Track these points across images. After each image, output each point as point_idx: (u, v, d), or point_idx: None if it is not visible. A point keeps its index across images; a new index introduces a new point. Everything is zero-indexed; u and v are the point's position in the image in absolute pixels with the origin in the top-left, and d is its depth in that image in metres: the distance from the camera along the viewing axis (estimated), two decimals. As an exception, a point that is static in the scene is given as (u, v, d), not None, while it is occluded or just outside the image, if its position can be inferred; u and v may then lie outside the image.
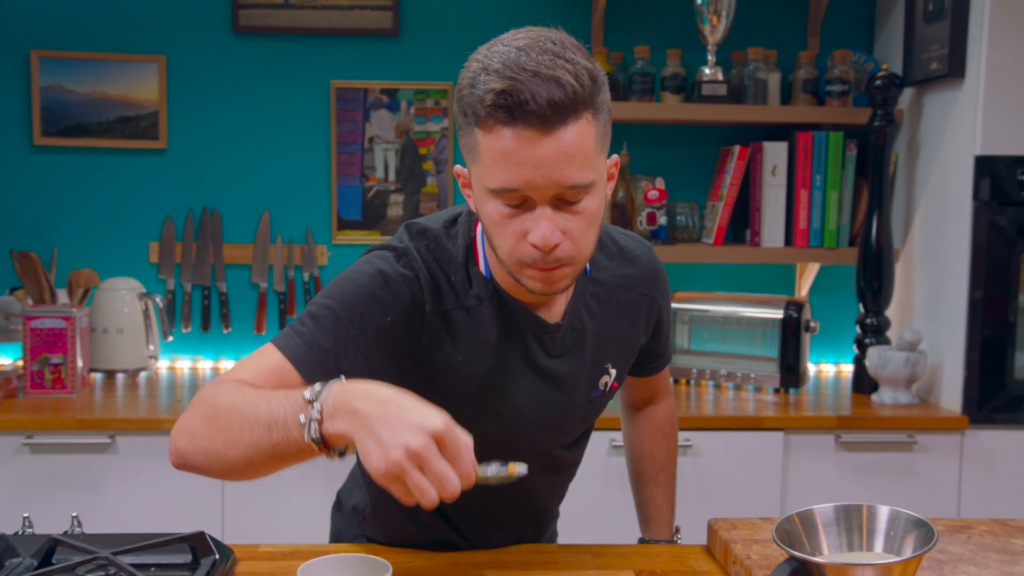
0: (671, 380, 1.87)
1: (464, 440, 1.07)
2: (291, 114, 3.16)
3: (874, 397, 2.82)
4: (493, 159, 1.20)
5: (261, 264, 3.17)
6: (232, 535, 2.50)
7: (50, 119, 3.08)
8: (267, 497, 2.55)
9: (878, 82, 2.82)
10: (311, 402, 1.09)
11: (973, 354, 2.67)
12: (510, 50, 1.19)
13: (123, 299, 2.98)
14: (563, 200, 1.22)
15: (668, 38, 3.08)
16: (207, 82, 3.13)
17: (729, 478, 2.63)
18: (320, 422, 1.08)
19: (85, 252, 3.10)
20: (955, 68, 2.65)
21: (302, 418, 1.09)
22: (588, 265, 1.45)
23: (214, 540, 1.46)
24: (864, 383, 2.90)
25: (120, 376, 2.98)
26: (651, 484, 1.74)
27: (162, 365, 3.16)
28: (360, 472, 1.64)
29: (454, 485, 1.04)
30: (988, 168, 2.62)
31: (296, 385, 1.22)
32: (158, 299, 3.02)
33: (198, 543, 1.44)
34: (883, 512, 1.13)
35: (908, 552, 1.07)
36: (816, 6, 3.15)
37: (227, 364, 3.17)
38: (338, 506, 1.74)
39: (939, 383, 2.79)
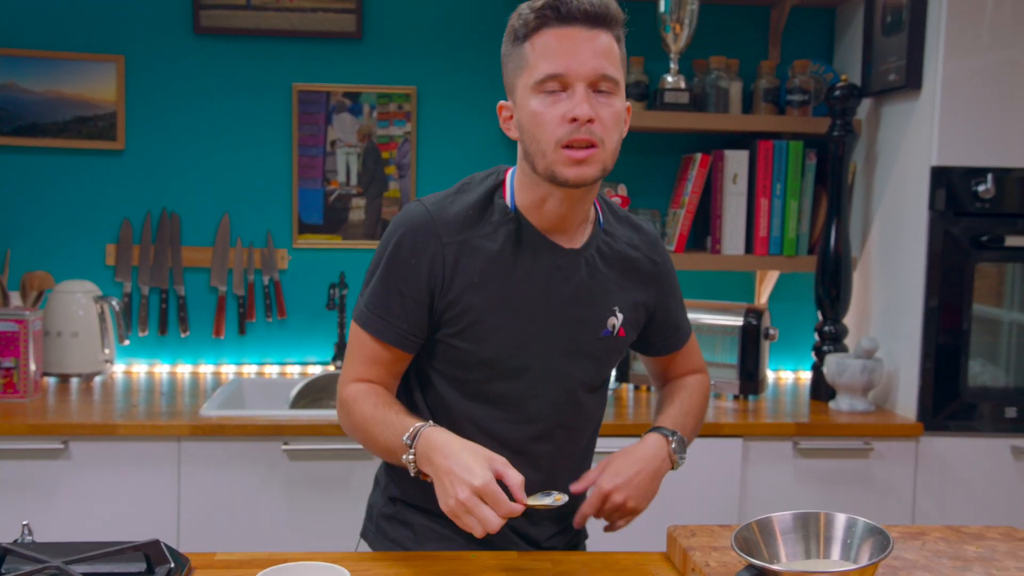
0: (703, 358, 1.90)
1: (515, 479, 1.39)
2: (252, 116, 3.14)
3: (831, 404, 2.85)
4: (542, 54, 1.47)
5: (220, 267, 3.14)
6: (188, 543, 2.47)
7: (4, 118, 3.03)
8: (223, 505, 2.52)
9: (837, 92, 2.85)
10: (409, 447, 1.46)
11: (928, 362, 2.70)
12: None
13: (78, 302, 2.94)
14: (596, 89, 1.47)
15: (631, 46, 3.02)
16: (167, 83, 3.10)
17: (688, 485, 2.63)
18: (415, 463, 1.46)
19: (39, 254, 3.07)
20: (912, 80, 2.69)
21: (404, 458, 1.47)
22: (601, 218, 1.66)
23: (169, 548, 1.45)
24: (822, 390, 2.93)
25: (74, 380, 2.94)
26: (675, 393, 1.83)
27: (118, 369, 3.12)
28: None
29: (492, 525, 1.35)
30: (943, 179, 2.65)
31: (384, 352, 1.58)
32: (114, 302, 2.98)
33: (153, 551, 1.42)
34: (840, 520, 1.13)
35: (864, 559, 1.08)
36: (777, 17, 3.18)
37: (184, 368, 3.14)
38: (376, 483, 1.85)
39: (895, 390, 2.82)
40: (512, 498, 1.38)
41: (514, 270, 1.56)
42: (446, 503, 1.39)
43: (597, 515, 1.62)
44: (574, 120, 1.45)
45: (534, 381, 1.60)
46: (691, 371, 1.86)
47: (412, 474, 1.47)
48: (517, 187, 1.58)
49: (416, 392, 1.66)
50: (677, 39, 2.95)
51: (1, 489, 2.47)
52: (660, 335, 1.78)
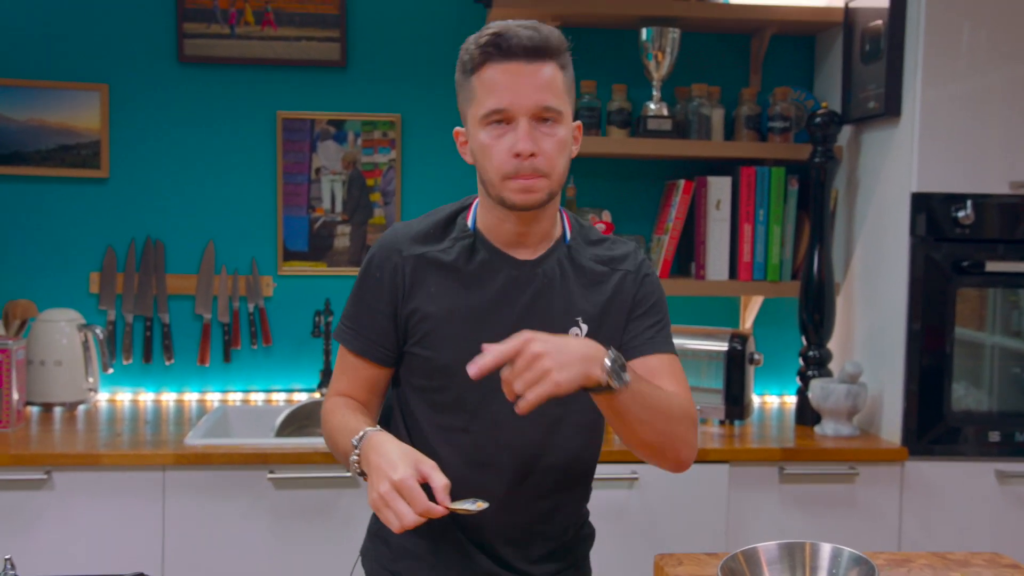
0: (689, 390, 1.68)
1: (438, 481, 1.40)
2: (237, 144, 3.14)
3: (817, 429, 2.85)
4: (487, 89, 1.53)
5: (205, 295, 3.13)
6: (172, 573, 2.46)
7: (-12, 147, 3.03)
8: (209, 535, 2.50)
9: (818, 119, 2.88)
10: (355, 447, 1.51)
11: (912, 386, 2.71)
12: (499, 21, 1.55)
13: (61, 330, 2.93)
14: (539, 120, 1.52)
15: (614, 74, 3.12)
16: (151, 111, 3.10)
17: (675, 511, 2.63)
18: (358, 463, 1.51)
19: (22, 282, 3.05)
20: (891, 107, 2.72)
21: (352, 458, 1.52)
22: (568, 235, 1.68)
23: (153, 581, 1.43)
24: (807, 415, 2.93)
25: (58, 409, 2.92)
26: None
27: (102, 398, 3.11)
28: None
29: (408, 520, 1.38)
30: (924, 204, 2.68)
31: (359, 365, 1.68)
32: (98, 330, 2.96)
33: (137, 585, 1.41)
34: (825, 550, 1.14)
35: (850, 590, 1.08)
36: (758, 45, 3.20)
37: (169, 396, 3.13)
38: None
39: (879, 415, 2.83)
40: (435, 501, 1.40)
41: (469, 281, 1.62)
42: (370, 496, 1.43)
43: (507, 375, 1.38)
44: (518, 155, 1.51)
45: (494, 387, 1.54)
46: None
47: (355, 473, 1.52)
48: (479, 209, 1.66)
49: (396, 411, 1.71)
50: (659, 67, 2.97)
51: (-17, 521, 2.45)
52: (628, 342, 1.66)
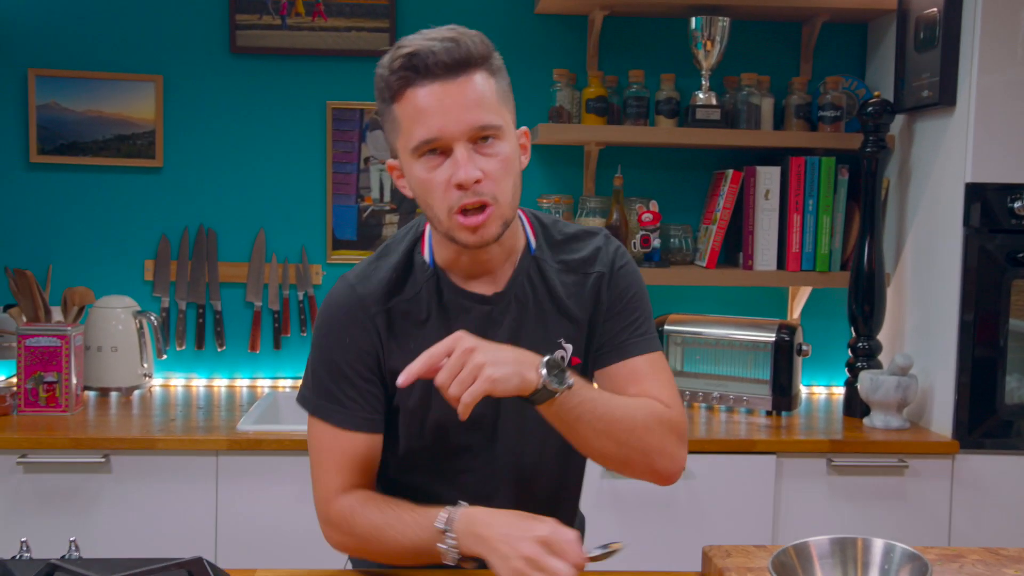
0: (676, 392, 1.56)
1: (567, 537, 1.31)
2: (287, 134, 3.17)
3: (865, 421, 2.83)
4: (410, 120, 1.37)
5: (256, 283, 3.18)
6: (226, 557, 2.50)
7: (46, 137, 3.09)
8: (261, 519, 2.54)
9: (870, 108, 2.85)
10: (444, 531, 1.37)
11: (963, 378, 2.69)
12: (413, 35, 1.39)
13: (118, 317, 2.98)
14: (476, 143, 1.38)
15: (662, 63, 3.11)
16: (204, 101, 3.14)
17: (722, 501, 2.64)
18: (457, 547, 1.36)
19: (80, 270, 3.11)
20: (946, 96, 2.68)
21: (442, 547, 1.37)
22: (533, 244, 1.55)
23: (212, 566, 1.46)
24: (855, 407, 2.92)
25: (114, 394, 2.98)
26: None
27: (156, 383, 3.16)
28: None
29: (564, 574, 1.28)
30: (978, 195, 2.64)
31: (351, 440, 1.50)
32: (153, 317, 3.02)
33: (196, 569, 1.44)
34: (877, 545, 1.14)
35: (903, 586, 1.08)
36: (809, 33, 3.18)
37: (220, 382, 3.18)
38: None
39: (930, 407, 2.81)
40: None
41: (443, 329, 1.46)
42: (509, 565, 1.30)
43: (441, 380, 1.32)
44: (460, 186, 1.36)
45: (493, 428, 1.53)
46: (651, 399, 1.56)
47: (451, 561, 1.38)
48: (434, 242, 1.52)
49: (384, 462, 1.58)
50: (708, 56, 2.95)
51: (46, 501, 2.51)
52: (605, 348, 1.57)
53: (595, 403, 1.41)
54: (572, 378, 1.37)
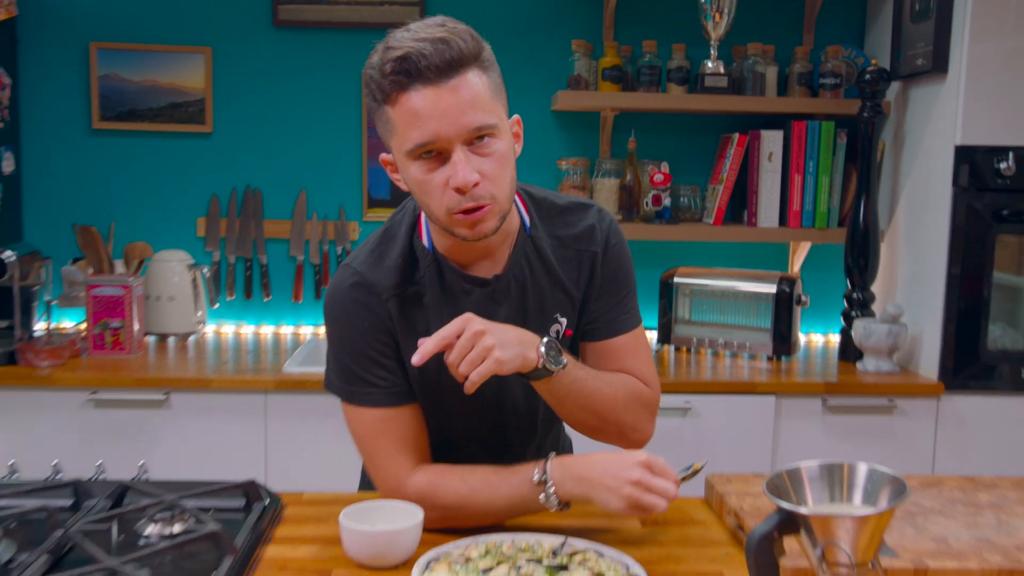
0: (654, 368, 1.56)
1: (662, 459, 1.34)
2: (326, 101, 3.19)
3: (859, 365, 2.86)
4: (404, 123, 1.27)
5: (298, 238, 3.22)
6: (274, 485, 2.56)
7: (107, 105, 3.12)
8: (305, 451, 2.61)
9: (868, 76, 2.85)
10: (543, 483, 1.36)
11: (950, 327, 2.71)
12: (401, 32, 1.30)
13: (174, 270, 3.03)
14: (472, 144, 1.29)
15: (674, 33, 3.11)
16: (249, 71, 3.17)
17: (725, 438, 2.68)
18: (557, 494, 1.35)
19: (139, 226, 3.16)
20: (939, 64, 2.68)
21: (542, 497, 1.36)
22: (527, 223, 1.48)
23: (264, 488, 1.52)
24: (849, 352, 2.94)
25: (171, 339, 3.04)
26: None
27: (209, 329, 3.22)
28: None
29: (671, 492, 1.32)
30: (967, 157, 2.65)
31: (394, 417, 1.44)
32: (205, 270, 3.07)
33: (250, 490, 1.50)
34: (862, 469, 1.17)
35: (883, 505, 1.12)
36: (811, 4, 3.16)
37: (267, 329, 3.23)
38: None
39: (918, 353, 2.83)
40: None
41: (447, 312, 1.42)
42: (619, 494, 1.31)
43: (451, 359, 1.31)
44: (459, 189, 1.29)
45: (494, 398, 1.51)
46: (628, 373, 1.54)
47: (554, 508, 1.37)
48: (431, 229, 1.44)
49: None
50: (717, 27, 2.95)
51: (114, 433, 2.59)
52: (590, 324, 1.53)
53: (584, 382, 1.41)
54: (566, 358, 1.37)
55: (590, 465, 1.35)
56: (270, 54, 3.17)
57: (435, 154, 1.29)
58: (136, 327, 2.81)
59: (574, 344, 1.54)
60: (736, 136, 3.04)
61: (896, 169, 3.00)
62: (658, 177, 2.98)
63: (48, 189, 3.15)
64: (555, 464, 1.37)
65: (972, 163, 2.64)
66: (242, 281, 3.23)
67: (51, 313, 2.96)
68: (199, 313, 3.09)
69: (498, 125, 1.31)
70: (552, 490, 1.35)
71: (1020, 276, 2.77)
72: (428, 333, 1.36)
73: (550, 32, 3.16)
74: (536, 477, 1.36)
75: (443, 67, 1.25)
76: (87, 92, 3.13)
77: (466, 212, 1.30)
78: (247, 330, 3.24)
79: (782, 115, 3.06)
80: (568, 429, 1.78)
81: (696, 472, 1.40)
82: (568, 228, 1.50)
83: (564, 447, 1.76)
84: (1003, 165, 2.62)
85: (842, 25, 3.23)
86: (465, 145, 1.28)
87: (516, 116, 1.41)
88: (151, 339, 3.03)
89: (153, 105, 3.13)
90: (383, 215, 3.22)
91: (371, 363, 1.43)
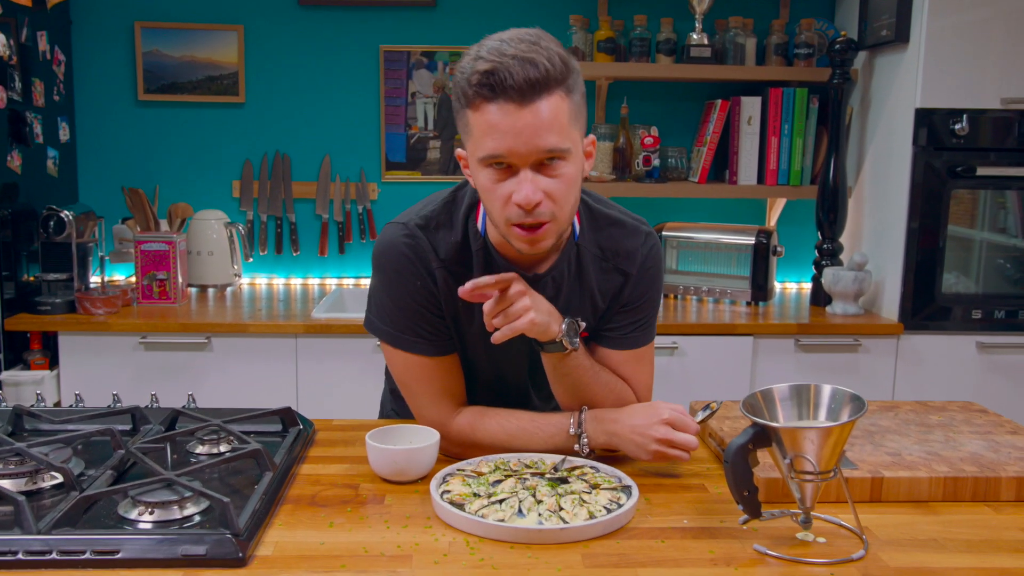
0: (650, 382, 1.52)
1: (683, 411, 1.35)
2: (347, 73, 3.19)
3: (828, 309, 2.88)
4: (482, 132, 1.21)
5: (323, 198, 3.23)
6: (305, 413, 2.58)
7: (150, 79, 3.12)
8: (331, 387, 2.64)
9: (837, 46, 2.83)
10: (578, 435, 1.37)
11: (909, 274, 2.73)
12: (494, 42, 1.21)
13: (212, 227, 3.05)
14: (542, 164, 1.22)
15: (662, 8, 3.09)
16: (278, 47, 3.16)
17: (708, 374, 2.70)
18: (590, 446, 1.38)
19: (181, 188, 3.17)
20: (901, 35, 2.66)
21: (576, 447, 1.38)
22: (577, 231, 1.43)
23: (299, 414, 1.55)
24: (820, 297, 2.96)
25: (211, 290, 3.06)
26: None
27: (244, 281, 3.24)
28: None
29: (693, 443, 1.33)
30: (926, 119, 2.64)
31: (438, 366, 1.42)
32: (240, 227, 3.09)
33: (287, 416, 1.53)
34: (826, 389, 1.20)
35: (844, 419, 1.15)
36: (787, -19, 3.14)
37: (296, 281, 3.25)
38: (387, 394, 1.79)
39: (881, 297, 2.85)
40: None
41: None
42: (647, 450, 1.33)
43: (489, 308, 1.29)
44: (521, 205, 1.22)
45: (512, 377, 1.52)
46: (627, 382, 1.49)
47: (585, 455, 1.37)
48: (487, 219, 1.39)
49: None
50: (702, 2, 2.94)
51: (162, 372, 2.63)
52: (603, 331, 1.49)
53: (586, 370, 1.40)
54: (579, 343, 1.37)
55: (619, 421, 1.36)
56: (296, 31, 3.15)
57: (505, 166, 1.22)
58: (180, 279, 2.84)
59: (585, 342, 1.48)
60: (719, 102, 3.03)
61: (862, 131, 3.00)
62: (648, 140, 2.98)
63: (99, 155, 3.16)
64: (588, 417, 1.38)
65: (930, 125, 2.64)
66: (273, 237, 3.25)
67: (104, 267, 2.99)
68: (235, 266, 3.11)
69: (570, 149, 1.23)
70: (585, 441, 1.37)
71: (972, 228, 2.79)
72: (466, 309, 1.38)
73: (550, 8, 3.15)
74: (572, 430, 1.38)
75: (526, 88, 1.17)
76: (133, 67, 3.12)
77: (525, 227, 1.24)
78: (278, 281, 3.26)
79: (760, 82, 3.05)
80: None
81: (713, 413, 1.41)
82: (613, 242, 1.44)
83: None
84: (958, 126, 2.62)
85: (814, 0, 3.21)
86: (535, 164, 1.22)
87: (591, 136, 1.32)
88: (193, 290, 3.06)
89: (192, 78, 3.13)
90: (400, 177, 3.23)
91: (419, 317, 1.39)
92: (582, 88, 1.26)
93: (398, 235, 1.39)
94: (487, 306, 1.29)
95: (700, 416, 1.41)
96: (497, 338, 1.29)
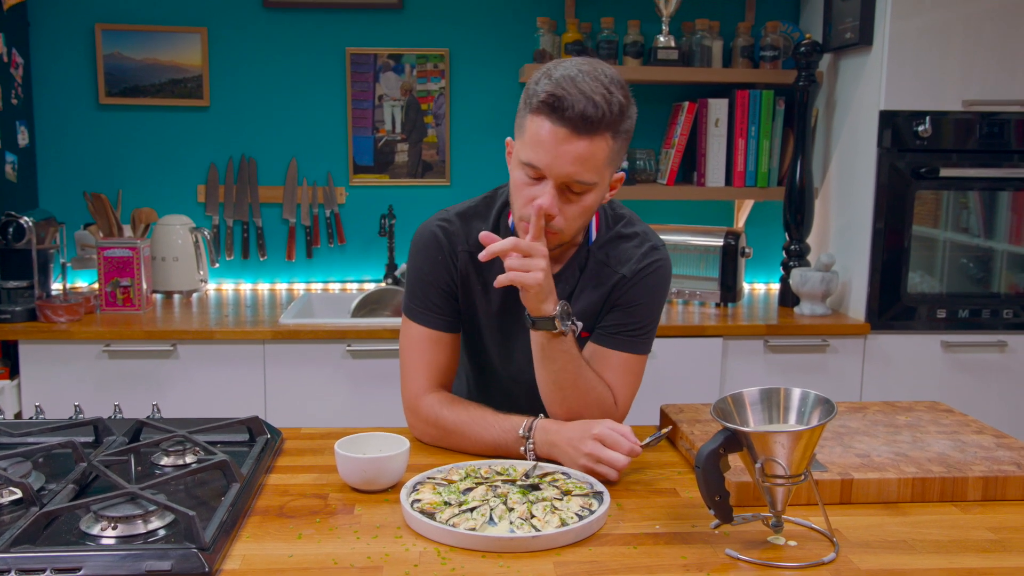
0: (632, 395, 1.55)
1: (621, 431, 1.36)
2: (313, 76, 3.16)
3: (796, 309, 2.90)
4: (531, 139, 1.34)
5: (290, 202, 3.20)
6: (273, 421, 2.55)
7: (112, 82, 3.07)
8: (300, 394, 2.62)
9: (802, 49, 2.86)
10: (526, 438, 1.42)
11: (875, 274, 2.75)
12: (571, 68, 1.34)
13: (177, 232, 3.01)
14: (568, 187, 1.36)
15: (629, 11, 3.09)
16: (243, 49, 3.13)
17: (678, 375, 2.71)
18: (535, 451, 1.42)
19: (145, 193, 3.13)
20: (865, 37, 2.69)
21: (523, 449, 1.43)
22: (593, 236, 1.54)
23: (266, 423, 1.53)
24: (788, 298, 2.98)
25: (177, 296, 3.02)
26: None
27: (211, 287, 3.21)
28: None
29: (620, 462, 1.34)
30: (890, 121, 2.67)
31: (435, 340, 1.53)
32: (206, 232, 3.05)
33: (254, 425, 1.51)
34: (796, 392, 1.20)
35: (814, 422, 1.16)
36: (753, -16, 3.16)
37: (263, 286, 3.22)
38: None
39: (848, 297, 2.88)
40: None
41: (505, 293, 1.51)
42: (576, 462, 1.36)
43: (512, 250, 1.36)
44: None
45: (519, 367, 1.57)
46: (610, 387, 1.52)
47: (530, 459, 1.42)
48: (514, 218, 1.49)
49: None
50: (668, 4, 2.95)
51: (126, 381, 2.59)
52: (596, 330, 1.54)
53: (571, 360, 1.42)
54: (570, 333, 1.41)
55: (560, 432, 1.40)
56: (261, 33, 3.12)
57: (536, 172, 1.35)
58: (144, 285, 2.80)
59: (580, 342, 1.52)
60: (686, 104, 3.04)
61: (828, 133, 3.03)
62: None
63: (60, 160, 3.11)
64: (539, 424, 1.43)
65: (894, 126, 2.67)
66: (239, 242, 3.22)
67: (66, 274, 2.93)
68: (201, 272, 3.07)
69: (597, 184, 1.37)
70: (531, 445, 1.42)
71: (936, 228, 2.82)
72: (482, 294, 1.52)
73: (517, 11, 3.14)
74: (521, 432, 1.43)
75: (580, 123, 1.30)
76: (94, 70, 3.07)
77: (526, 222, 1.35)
78: (245, 287, 3.23)
79: (727, 85, 3.07)
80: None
81: (661, 437, 1.44)
82: (618, 251, 1.54)
83: None
84: (921, 128, 2.65)
85: (780, 3, 3.23)
86: (562, 185, 1.35)
87: (620, 174, 1.45)
88: (158, 296, 3.02)
89: (154, 81, 3.09)
90: (367, 180, 3.21)
91: (432, 289, 1.52)
92: (631, 132, 1.39)
93: (435, 221, 1.55)
94: (507, 245, 1.34)
95: (647, 441, 1.42)
96: (501, 280, 1.35)
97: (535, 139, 1.34)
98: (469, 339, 1.61)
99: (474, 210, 1.56)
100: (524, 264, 1.35)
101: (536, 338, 1.43)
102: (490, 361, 1.60)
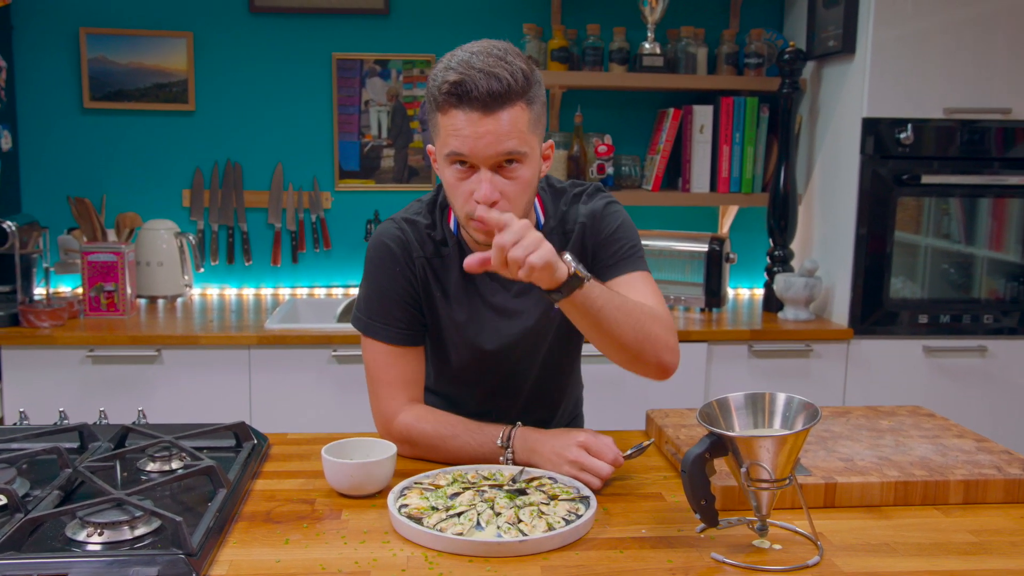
0: (663, 301, 1.48)
1: (604, 440, 1.37)
2: (299, 81, 3.16)
3: (780, 315, 2.92)
4: (448, 133, 1.32)
5: (276, 207, 3.20)
6: (258, 426, 2.54)
7: (97, 86, 3.06)
8: (286, 400, 2.62)
9: (786, 56, 2.88)
10: (505, 448, 1.41)
11: (858, 279, 2.77)
12: (465, 54, 1.32)
13: (162, 237, 3.00)
14: (501, 166, 1.32)
15: (615, 18, 3.11)
16: (229, 54, 3.12)
17: (664, 381, 2.71)
18: (514, 459, 1.41)
19: (129, 198, 3.11)
20: (848, 45, 2.72)
21: (502, 458, 1.42)
22: (541, 220, 1.51)
23: (252, 429, 1.53)
24: (772, 303, 3.00)
25: (161, 301, 3.01)
26: None
27: (195, 292, 3.20)
28: None
29: (604, 470, 1.34)
30: (873, 128, 2.70)
31: (400, 355, 1.50)
32: (191, 237, 3.04)
33: (240, 430, 1.51)
34: (781, 397, 1.21)
35: (799, 427, 1.17)
36: (737, -8, 3.18)
37: (248, 291, 3.21)
38: None
39: (831, 303, 2.90)
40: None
41: (465, 289, 1.50)
42: (559, 469, 1.35)
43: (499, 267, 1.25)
44: (479, 202, 1.32)
45: (503, 353, 1.55)
46: None
47: (507, 470, 1.37)
48: (456, 215, 1.47)
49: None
50: (653, 12, 2.96)
51: (110, 387, 2.57)
52: (600, 270, 1.51)
53: (612, 295, 1.33)
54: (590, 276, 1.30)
55: (541, 441, 1.40)
56: (247, 38, 3.12)
57: (467, 165, 1.33)
58: (128, 290, 2.78)
59: None
60: (671, 111, 3.06)
61: (811, 140, 3.05)
62: (602, 148, 3.00)
63: (44, 164, 3.09)
64: (518, 433, 1.42)
65: (876, 133, 2.70)
66: (224, 247, 3.21)
67: (49, 279, 2.92)
68: (186, 277, 3.06)
69: (528, 154, 1.34)
70: (511, 455, 1.41)
71: (918, 235, 2.85)
72: (444, 299, 1.49)
73: (503, 17, 3.15)
74: (499, 442, 1.42)
75: (489, 100, 1.28)
76: (78, 74, 3.06)
77: (482, 221, 1.29)
78: (230, 292, 3.22)
79: (712, 91, 3.09)
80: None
81: (643, 450, 1.41)
82: (570, 211, 1.53)
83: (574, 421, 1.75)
84: (903, 135, 2.68)
85: (764, 10, 3.26)
86: (494, 166, 1.32)
87: (549, 141, 1.43)
88: (142, 301, 3.00)
89: (139, 85, 3.08)
90: (353, 185, 3.21)
91: (393, 304, 1.49)
92: (543, 97, 1.37)
93: (389, 228, 1.51)
94: (488, 255, 1.23)
95: (628, 452, 1.40)
96: (520, 277, 1.22)
97: (453, 131, 1.31)
98: (434, 344, 1.56)
99: (419, 217, 1.51)
100: (524, 248, 1.20)
101: (570, 309, 1.29)
102: (457, 365, 1.56)
